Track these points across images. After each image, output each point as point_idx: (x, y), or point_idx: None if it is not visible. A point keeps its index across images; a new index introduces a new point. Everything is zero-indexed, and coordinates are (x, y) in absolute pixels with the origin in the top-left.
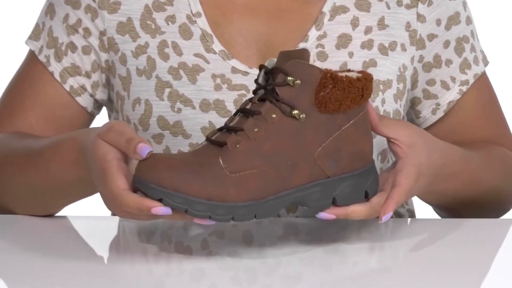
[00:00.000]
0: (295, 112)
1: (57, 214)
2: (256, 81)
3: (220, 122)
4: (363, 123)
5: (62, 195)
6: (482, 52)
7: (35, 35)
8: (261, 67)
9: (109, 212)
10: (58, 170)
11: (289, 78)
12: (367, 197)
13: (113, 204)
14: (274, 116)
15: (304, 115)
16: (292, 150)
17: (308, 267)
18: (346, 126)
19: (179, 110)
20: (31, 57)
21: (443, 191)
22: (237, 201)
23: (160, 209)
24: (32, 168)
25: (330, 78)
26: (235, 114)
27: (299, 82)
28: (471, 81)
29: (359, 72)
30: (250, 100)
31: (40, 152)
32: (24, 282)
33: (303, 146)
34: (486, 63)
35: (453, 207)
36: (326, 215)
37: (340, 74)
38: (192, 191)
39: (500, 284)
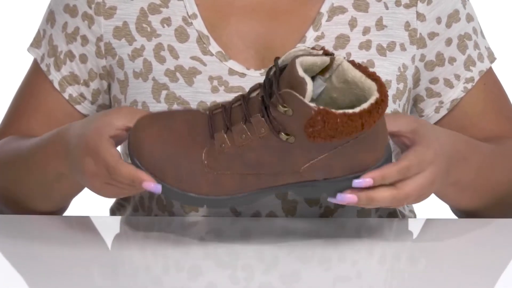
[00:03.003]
0: (283, 135)
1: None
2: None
3: None
4: (369, 137)
5: (48, 191)
6: (488, 49)
7: (36, 42)
8: (276, 59)
9: (107, 212)
10: (42, 163)
11: (281, 107)
12: None
13: (103, 175)
14: (263, 130)
15: (293, 138)
16: (276, 163)
17: (306, 265)
18: (343, 145)
19: None
20: (35, 65)
21: (460, 181)
22: (210, 196)
23: (151, 184)
24: (22, 164)
25: (321, 120)
26: (237, 97)
27: (291, 113)
28: (476, 78)
29: (372, 75)
30: (255, 89)
31: (29, 148)
32: (23, 278)
33: (289, 161)
34: (492, 59)
35: (474, 206)
36: (346, 197)
37: (335, 111)
38: (168, 179)
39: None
